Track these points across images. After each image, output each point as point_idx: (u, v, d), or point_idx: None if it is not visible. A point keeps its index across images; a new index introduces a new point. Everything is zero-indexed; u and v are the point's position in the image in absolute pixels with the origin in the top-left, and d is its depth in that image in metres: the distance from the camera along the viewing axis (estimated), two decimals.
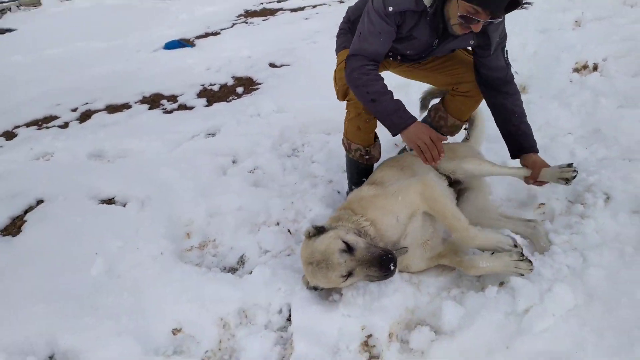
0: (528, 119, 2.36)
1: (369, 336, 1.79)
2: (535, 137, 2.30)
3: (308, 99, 3.95)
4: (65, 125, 4.29)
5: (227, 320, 1.99)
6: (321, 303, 1.90)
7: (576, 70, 3.72)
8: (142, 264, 2.28)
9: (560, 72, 3.68)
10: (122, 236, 2.48)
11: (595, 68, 3.70)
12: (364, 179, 2.39)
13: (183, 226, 2.63)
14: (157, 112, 4.31)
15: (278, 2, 8.82)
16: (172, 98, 4.57)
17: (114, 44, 7.86)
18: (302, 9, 7.75)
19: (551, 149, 2.82)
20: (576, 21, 4.84)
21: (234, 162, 3.21)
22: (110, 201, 2.92)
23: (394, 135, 2.07)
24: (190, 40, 6.96)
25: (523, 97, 3.46)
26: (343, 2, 7.78)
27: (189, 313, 2.00)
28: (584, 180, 2.43)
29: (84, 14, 10.48)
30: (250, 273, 2.17)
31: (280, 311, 2.00)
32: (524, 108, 2.31)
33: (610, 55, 3.73)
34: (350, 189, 2.57)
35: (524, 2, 1.83)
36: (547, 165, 2.19)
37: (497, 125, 2.34)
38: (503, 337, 1.63)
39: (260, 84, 4.57)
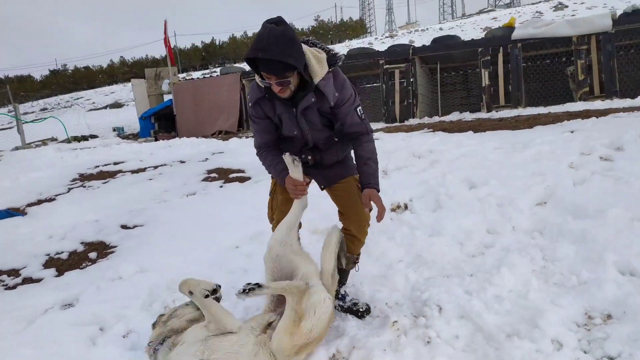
0: (365, 249, 3.01)
1: None
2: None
3: (170, 256, 4.09)
4: None
5: None
6: None
7: (393, 210, 4.68)
8: None
9: None
10: None
11: (405, 207, 4.70)
12: None
13: None
14: None
15: (115, 164, 8.92)
16: (14, 272, 4.20)
17: None
18: (143, 170, 8.00)
19: (389, 275, 3.46)
20: (383, 170, 6.09)
21: (101, 329, 3.10)
22: None
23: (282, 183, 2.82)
24: (21, 208, 6.54)
25: None
26: (184, 162, 8.31)
27: None
28: (419, 298, 3.06)
29: None
30: None
31: None
32: (372, 154, 2.82)
33: (414, 197, 4.80)
34: None
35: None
36: (376, 198, 2.70)
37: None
38: None
39: (115, 246, 4.55)
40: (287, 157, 2.71)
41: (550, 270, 3.11)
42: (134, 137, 18.61)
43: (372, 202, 2.72)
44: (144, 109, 19.21)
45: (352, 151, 2.96)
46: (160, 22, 17.80)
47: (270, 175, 3.07)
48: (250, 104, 2.74)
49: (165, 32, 16.86)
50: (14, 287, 3.95)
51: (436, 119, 12.69)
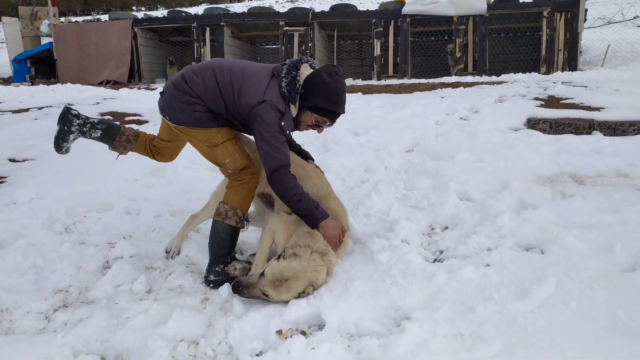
0: None
1: None
2: None
3: (67, 187, 4.19)
4: None
5: None
6: None
7: None
8: None
9: None
10: None
11: None
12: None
13: None
14: None
15: None
16: None
17: None
18: (25, 110, 7.48)
19: None
20: None
21: (1, 247, 3.21)
22: None
23: (312, 227, 2.66)
24: None
25: None
26: (72, 105, 7.96)
27: None
28: None
29: None
30: None
31: None
32: None
33: (305, 142, 5.31)
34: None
35: None
36: None
37: None
38: None
39: (5, 176, 4.47)
40: None
41: (408, 196, 3.85)
42: (5, 81, 16.92)
43: None
44: (17, 51, 17.40)
45: None
46: None
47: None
48: (283, 124, 2.65)
49: None
50: None
51: None
